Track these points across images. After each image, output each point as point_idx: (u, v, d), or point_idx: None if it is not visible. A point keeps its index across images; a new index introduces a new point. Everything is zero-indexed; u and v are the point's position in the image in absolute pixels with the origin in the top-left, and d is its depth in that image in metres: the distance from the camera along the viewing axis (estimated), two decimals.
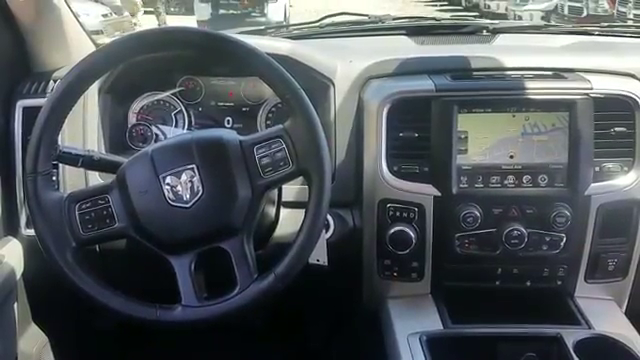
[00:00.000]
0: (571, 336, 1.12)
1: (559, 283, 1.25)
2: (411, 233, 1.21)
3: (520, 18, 11.23)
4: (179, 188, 0.95)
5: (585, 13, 9.79)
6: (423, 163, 1.21)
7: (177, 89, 1.36)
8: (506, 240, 1.19)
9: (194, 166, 0.96)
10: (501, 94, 1.20)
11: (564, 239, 1.21)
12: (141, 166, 0.98)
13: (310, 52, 1.31)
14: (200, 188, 0.96)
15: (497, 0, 13.09)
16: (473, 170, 1.20)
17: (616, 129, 1.21)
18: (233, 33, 1.69)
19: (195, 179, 0.96)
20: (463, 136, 1.20)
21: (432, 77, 1.24)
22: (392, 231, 1.21)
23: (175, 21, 12.15)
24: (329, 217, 1.27)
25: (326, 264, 1.23)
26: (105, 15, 10.49)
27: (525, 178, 1.20)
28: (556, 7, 10.99)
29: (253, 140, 0.99)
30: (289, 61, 1.26)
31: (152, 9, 11.97)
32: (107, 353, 1.62)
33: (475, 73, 1.28)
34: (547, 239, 1.21)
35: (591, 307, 1.24)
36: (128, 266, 1.22)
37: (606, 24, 1.80)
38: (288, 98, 0.98)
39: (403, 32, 1.63)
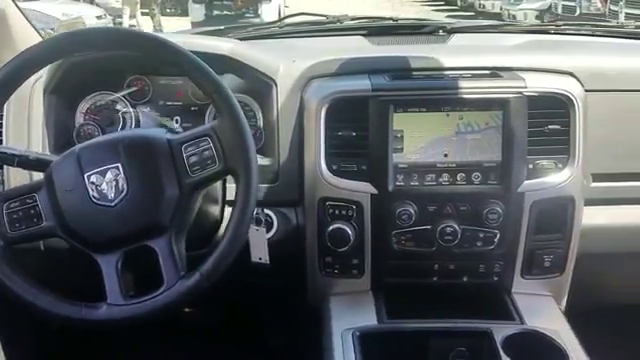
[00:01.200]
0: (501, 331, 1.14)
1: (496, 279, 1.28)
2: (349, 230, 1.23)
3: (514, 17, 11.27)
4: (104, 187, 0.97)
5: (578, 12, 9.82)
6: (361, 162, 1.23)
7: (127, 90, 1.38)
8: (440, 237, 1.21)
9: (119, 165, 0.98)
10: (435, 94, 1.22)
11: (498, 235, 1.23)
12: (68, 164, 1.00)
13: (252, 52, 1.34)
14: (125, 187, 0.97)
15: (492, 0, 13.12)
16: (409, 168, 1.22)
17: (550, 127, 1.23)
18: (190, 34, 1.72)
19: (120, 178, 0.98)
20: (399, 135, 1.22)
21: (371, 77, 1.26)
22: (331, 228, 1.23)
23: (170, 22, 12.20)
24: (273, 216, 1.29)
25: (268, 262, 1.25)
26: (99, 17, 10.56)
27: (459, 176, 1.22)
28: (550, 6, 11.03)
29: (182, 139, 1.01)
30: (230, 61, 1.29)
31: (147, 10, 12.03)
32: (62, 353, 1.65)
33: (415, 73, 1.30)
34: (481, 235, 1.23)
35: (527, 303, 1.26)
36: (60, 265, 1.24)
37: (562, 22, 1.83)
38: (215, 97, 1.00)
39: (360, 32, 1.65)
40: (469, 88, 1.21)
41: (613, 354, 1.23)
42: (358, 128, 1.23)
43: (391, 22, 1.77)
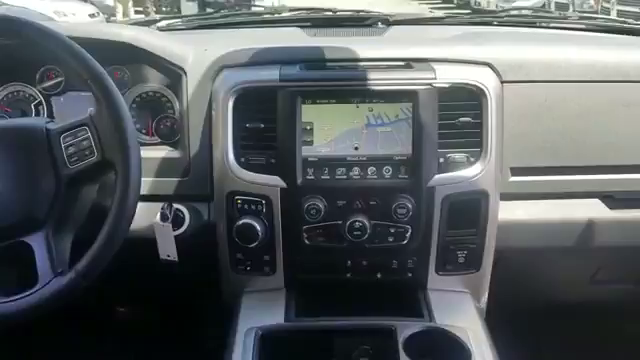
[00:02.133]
0: (406, 329, 1.11)
1: (410, 275, 1.25)
2: (258, 226, 1.20)
3: None
4: None
5: (571, 9, 9.77)
6: (270, 154, 1.19)
7: (45, 84, 1.35)
8: (349, 232, 1.18)
9: None
10: (345, 85, 1.19)
11: (409, 231, 1.20)
12: None
13: (159, 40, 1.31)
14: None
15: None
16: (319, 162, 1.19)
17: (462, 119, 1.20)
18: (123, 22, 1.69)
19: None
20: (308, 127, 1.19)
21: (283, 67, 1.23)
22: (239, 224, 1.20)
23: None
24: (184, 211, 1.26)
25: (176, 259, 1.23)
26: (92, 15, 10.55)
27: (370, 169, 1.20)
28: (544, 4, 10.97)
29: (60, 128, 0.98)
30: (136, 50, 1.26)
31: (141, 8, 12.00)
32: None
33: (329, 64, 1.28)
34: (392, 230, 1.20)
35: (441, 300, 1.23)
36: None
37: (504, 14, 1.80)
38: (91, 84, 0.97)
39: (299, 24, 1.63)
40: (379, 79, 1.18)
41: (527, 354, 1.20)
42: (266, 120, 1.20)
43: (330, 14, 1.74)
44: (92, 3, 12.06)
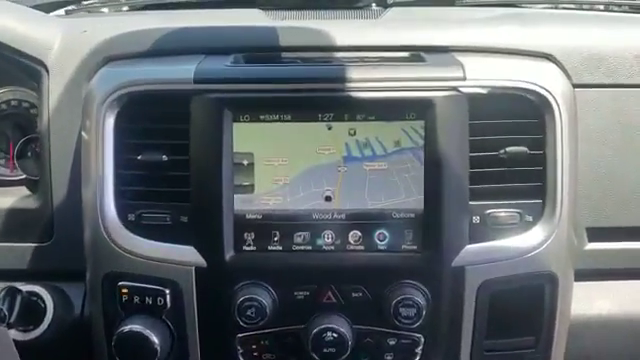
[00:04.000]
0: None
1: None
2: (154, 337, 0.69)
3: None
4: None
5: None
6: (178, 208, 0.71)
7: None
8: (316, 346, 0.68)
9: None
10: (309, 90, 0.70)
11: (421, 344, 0.69)
12: None
13: (22, 24, 0.80)
14: None
15: None
16: (263, 221, 0.70)
17: (510, 149, 0.70)
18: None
19: None
20: (245, 162, 0.69)
21: (204, 60, 0.74)
22: (122, 332, 0.69)
23: None
24: (45, 297, 0.76)
25: None
26: None
27: (352, 235, 0.70)
28: None
29: None
30: None
31: None
32: None
33: (284, 54, 0.78)
34: (391, 343, 0.70)
35: None
36: None
37: None
38: None
39: (265, 6, 1.11)
40: (368, 81, 0.69)
41: None
42: (172, 149, 0.71)
43: None
44: None
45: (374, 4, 1.00)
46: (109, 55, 0.77)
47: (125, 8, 1.10)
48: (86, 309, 0.77)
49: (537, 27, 0.80)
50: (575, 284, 0.76)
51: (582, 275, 0.77)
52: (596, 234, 0.78)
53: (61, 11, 1.09)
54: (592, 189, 0.76)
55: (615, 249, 0.78)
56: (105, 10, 1.13)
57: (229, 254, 0.69)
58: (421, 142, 0.69)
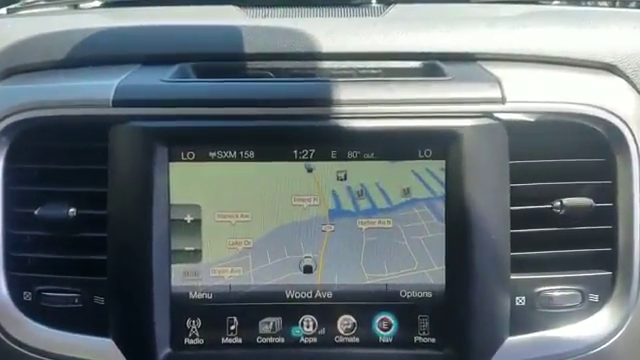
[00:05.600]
0: None
1: None
2: None
3: None
4: None
5: None
6: (92, 285, 0.50)
7: None
8: None
9: None
10: (281, 116, 0.49)
11: None
12: None
13: None
14: None
15: None
16: (214, 303, 0.49)
17: (567, 201, 0.49)
18: None
19: None
20: (188, 218, 0.48)
21: (138, 71, 0.53)
22: None
23: None
24: None
25: None
26: None
27: (342, 323, 0.49)
28: None
29: None
30: None
31: None
32: None
33: (252, 65, 0.57)
34: None
35: None
36: None
37: None
38: None
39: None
40: (364, 103, 0.48)
41: None
42: (83, 199, 0.50)
43: None
44: None
45: (374, 0, 0.79)
46: (11, 66, 0.56)
47: (81, 5, 0.90)
48: None
49: (588, 28, 0.60)
50: None
51: None
52: None
53: (3, 10, 0.89)
54: None
55: None
56: (55, 9, 0.93)
57: (163, 352, 0.48)
58: (441, 190, 0.48)
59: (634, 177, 0.50)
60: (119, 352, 0.49)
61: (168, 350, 0.48)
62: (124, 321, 0.49)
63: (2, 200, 0.51)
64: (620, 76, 0.55)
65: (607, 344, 0.49)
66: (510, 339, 0.49)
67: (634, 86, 0.55)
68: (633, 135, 0.50)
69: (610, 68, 0.56)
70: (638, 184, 0.50)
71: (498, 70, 0.53)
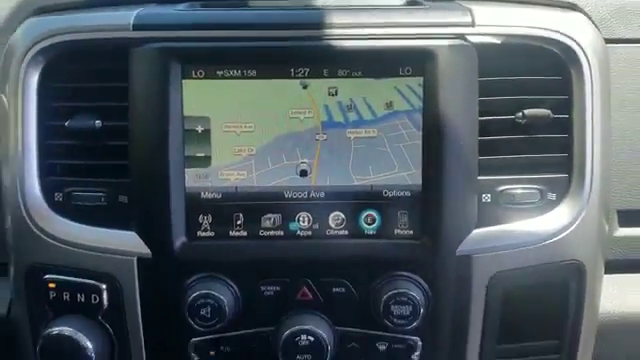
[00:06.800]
0: None
1: None
2: (88, 343, 0.56)
3: None
4: None
5: None
6: (116, 186, 0.58)
7: None
8: (288, 352, 0.55)
9: None
10: (279, 37, 0.56)
11: (417, 349, 0.57)
12: None
13: None
14: None
15: None
16: (222, 202, 0.57)
17: (529, 112, 0.57)
18: None
19: None
20: (200, 128, 0.56)
21: (153, 5, 0.60)
22: (49, 334, 0.56)
23: None
24: None
25: None
26: None
27: (333, 218, 0.57)
28: None
29: None
30: None
31: None
32: None
33: (253, 3, 0.65)
34: (381, 348, 0.58)
35: None
36: None
37: None
38: None
39: None
40: (352, 26, 0.56)
41: None
42: (108, 112, 0.58)
43: None
44: None
45: None
46: (40, 6, 0.63)
47: None
48: (13, 306, 0.64)
49: None
50: (606, 277, 0.63)
51: (612, 267, 0.64)
52: (629, 218, 0.65)
53: None
54: (626, 164, 0.63)
55: None
56: None
57: (179, 241, 0.56)
58: (419, 103, 0.56)
59: (587, 93, 0.57)
60: (142, 242, 0.57)
61: (184, 240, 0.56)
62: (146, 216, 0.57)
63: (37, 114, 0.58)
64: (580, 12, 0.63)
65: (562, 235, 0.57)
66: (476, 230, 0.57)
67: (590, 19, 0.63)
68: (587, 57, 0.57)
69: (572, 6, 0.63)
70: (590, 99, 0.57)
71: (471, 4, 0.60)
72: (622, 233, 0.65)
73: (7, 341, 0.64)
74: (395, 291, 0.55)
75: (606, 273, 0.64)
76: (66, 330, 0.56)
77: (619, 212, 0.64)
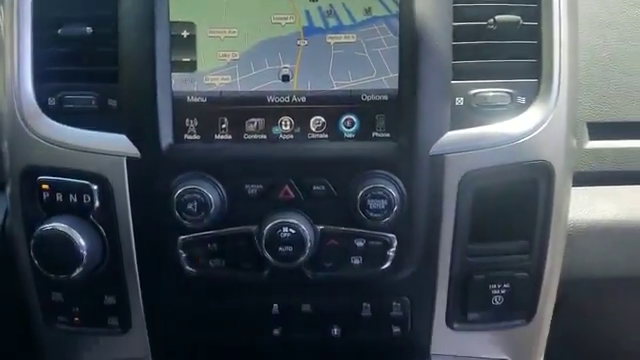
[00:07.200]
0: None
1: (396, 331, 0.64)
2: (80, 240, 0.59)
3: None
4: None
5: None
6: (106, 90, 0.60)
7: None
8: (271, 247, 0.58)
9: None
10: None
11: (393, 246, 0.60)
12: None
13: None
14: None
15: None
16: (207, 105, 0.59)
17: (500, 18, 0.60)
18: None
19: None
20: (185, 33, 0.58)
21: None
22: (43, 230, 0.59)
23: None
24: None
25: None
26: None
27: (314, 122, 0.60)
28: None
29: None
30: None
31: None
32: None
33: None
34: (358, 244, 0.60)
35: None
36: None
37: None
38: None
39: None
40: None
41: None
42: (98, 19, 0.60)
43: None
44: None
45: None
46: None
47: None
48: (7, 220, 0.67)
49: None
50: (575, 189, 0.66)
51: (583, 179, 0.67)
52: (598, 130, 0.68)
53: None
54: (593, 78, 0.66)
55: (619, 148, 0.69)
56: None
57: (166, 142, 0.58)
58: (395, 9, 0.58)
59: (554, 1, 0.60)
60: (131, 144, 0.59)
61: (170, 141, 0.59)
62: (135, 118, 0.59)
63: (31, 23, 0.60)
64: None
65: (531, 136, 0.60)
66: (450, 132, 0.59)
67: None
68: None
69: None
70: (558, 7, 0.60)
71: None
72: (592, 145, 0.68)
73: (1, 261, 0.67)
74: (372, 186, 0.57)
75: (577, 185, 0.67)
76: (59, 226, 0.58)
77: (589, 124, 0.67)
